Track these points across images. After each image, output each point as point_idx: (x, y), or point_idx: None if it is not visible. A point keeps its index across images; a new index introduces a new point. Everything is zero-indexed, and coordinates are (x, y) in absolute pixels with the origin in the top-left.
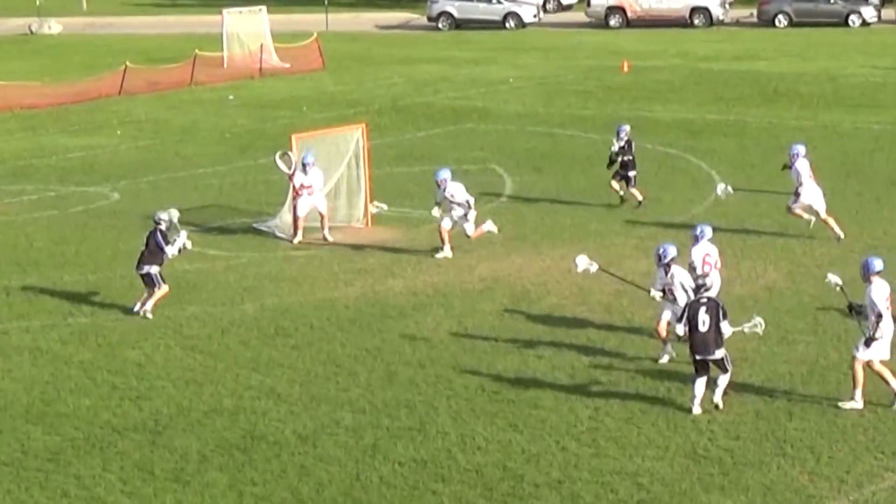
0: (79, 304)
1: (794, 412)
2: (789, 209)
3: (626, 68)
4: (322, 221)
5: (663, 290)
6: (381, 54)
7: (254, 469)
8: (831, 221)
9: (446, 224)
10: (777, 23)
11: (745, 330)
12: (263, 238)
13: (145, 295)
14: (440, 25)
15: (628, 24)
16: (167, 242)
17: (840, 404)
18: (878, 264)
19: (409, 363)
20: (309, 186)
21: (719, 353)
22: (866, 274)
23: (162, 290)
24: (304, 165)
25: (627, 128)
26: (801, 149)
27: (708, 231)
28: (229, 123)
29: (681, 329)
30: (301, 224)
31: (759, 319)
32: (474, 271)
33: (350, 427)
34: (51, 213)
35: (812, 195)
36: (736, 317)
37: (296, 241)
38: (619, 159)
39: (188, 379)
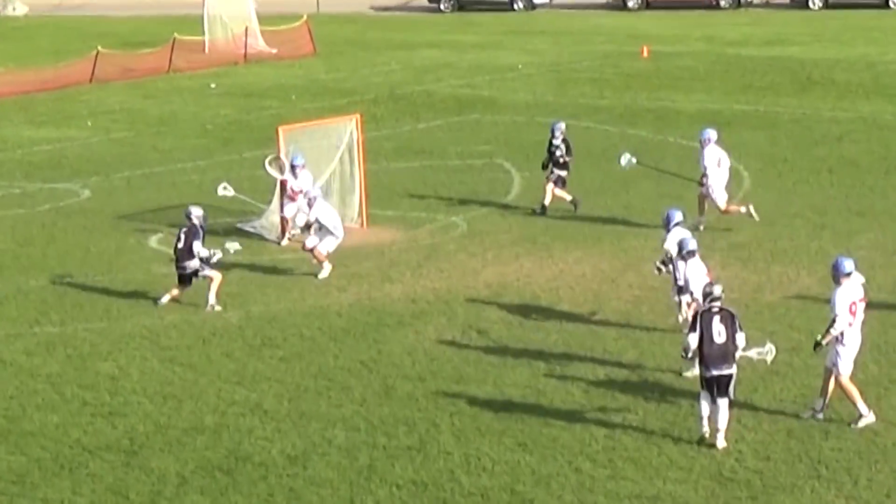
0: (46, 312)
1: (829, 431)
2: (726, 211)
3: (645, 54)
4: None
5: (679, 287)
6: (377, 38)
7: (238, 492)
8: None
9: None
10: (811, 4)
11: (754, 356)
12: (249, 240)
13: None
14: (442, 7)
15: (648, 5)
16: (200, 239)
17: (852, 426)
18: (848, 265)
19: (407, 377)
20: (300, 191)
21: (733, 369)
22: (836, 275)
23: (216, 278)
24: (292, 167)
25: (563, 125)
26: (712, 134)
27: (677, 215)
28: (211, 114)
29: (693, 341)
30: (289, 224)
31: (770, 346)
32: (479, 276)
33: (343, 447)
34: (16, 211)
35: (718, 186)
36: (765, 325)
37: (283, 243)
38: (559, 159)
39: (166, 394)
